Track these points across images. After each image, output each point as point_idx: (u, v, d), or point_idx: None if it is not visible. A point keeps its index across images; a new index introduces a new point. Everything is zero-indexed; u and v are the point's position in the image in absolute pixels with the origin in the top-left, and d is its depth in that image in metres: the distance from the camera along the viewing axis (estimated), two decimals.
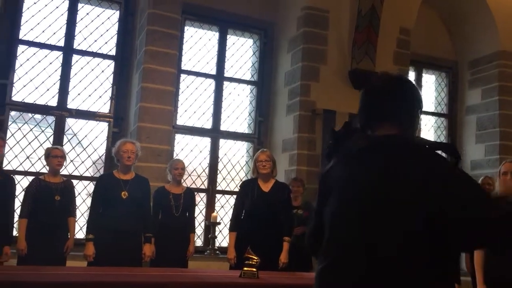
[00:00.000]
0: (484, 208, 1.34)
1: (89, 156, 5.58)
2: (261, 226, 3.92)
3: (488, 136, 6.80)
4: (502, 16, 6.73)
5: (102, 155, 5.61)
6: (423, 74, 7.21)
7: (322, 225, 1.60)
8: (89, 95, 5.59)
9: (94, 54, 5.67)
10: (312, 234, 1.70)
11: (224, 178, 6.11)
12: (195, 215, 4.91)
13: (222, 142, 6.10)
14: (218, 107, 6.10)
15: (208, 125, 6.04)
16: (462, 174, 1.42)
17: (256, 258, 3.21)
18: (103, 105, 5.66)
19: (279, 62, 6.24)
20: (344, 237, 1.49)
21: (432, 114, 7.25)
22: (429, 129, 7.21)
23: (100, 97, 5.65)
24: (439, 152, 1.49)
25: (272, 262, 3.83)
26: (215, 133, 6.06)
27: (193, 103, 5.98)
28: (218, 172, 6.07)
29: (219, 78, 6.16)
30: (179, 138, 5.86)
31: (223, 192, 6.08)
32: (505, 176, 3.24)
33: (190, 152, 5.92)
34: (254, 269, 3.17)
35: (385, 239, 1.39)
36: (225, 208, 6.04)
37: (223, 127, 6.11)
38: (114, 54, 5.76)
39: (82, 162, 5.54)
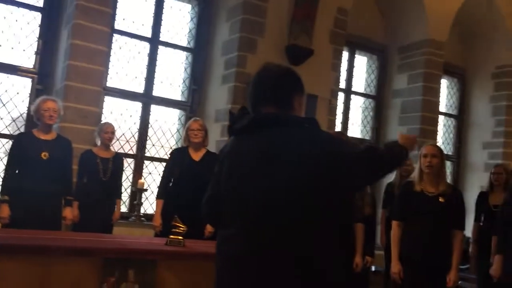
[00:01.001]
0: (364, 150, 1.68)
1: (9, 113, 5.25)
2: (190, 195, 3.90)
3: (411, 119, 7.16)
4: (432, 6, 7.02)
5: (24, 113, 5.29)
6: (356, 55, 7.41)
7: (217, 194, 1.82)
8: (12, 48, 5.23)
9: (19, 4, 5.27)
10: (209, 202, 1.90)
11: (153, 145, 6.00)
12: (122, 181, 4.81)
13: (153, 108, 5.96)
14: (151, 72, 5.93)
15: (140, 89, 5.86)
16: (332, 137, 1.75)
17: (183, 226, 3.20)
18: (27, 60, 5.32)
19: (217, 31, 6.14)
20: (232, 205, 1.72)
21: (362, 95, 7.50)
22: (357, 108, 7.46)
23: (24, 50, 5.30)
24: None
25: (199, 231, 3.84)
26: (147, 98, 5.90)
27: (125, 65, 5.77)
28: (148, 138, 5.95)
29: (154, 41, 5.97)
30: (109, 100, 5.65)
31: (152, 159, 5.97)
32: (425, 158, 3.43)
33: (120, 116, 5.74)
34: (181, 237, 3.16)
35: (268, 214, 1.61)
36: (153, 175, 5.95)
37: (155, 93, 5.96)
38: (42, 5, 5.39)
39: (1, 119, 5.20)
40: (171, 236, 3.15)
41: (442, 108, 7.80)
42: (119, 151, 5.35)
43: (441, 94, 7.42)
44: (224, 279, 1.72)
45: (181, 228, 3.19)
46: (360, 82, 7.50)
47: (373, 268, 5.36)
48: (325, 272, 1.59)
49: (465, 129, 8.23)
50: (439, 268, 3.30)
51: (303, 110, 1.89)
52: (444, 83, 7.76)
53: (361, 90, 7.51)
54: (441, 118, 7.70)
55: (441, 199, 3.35)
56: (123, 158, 4.76)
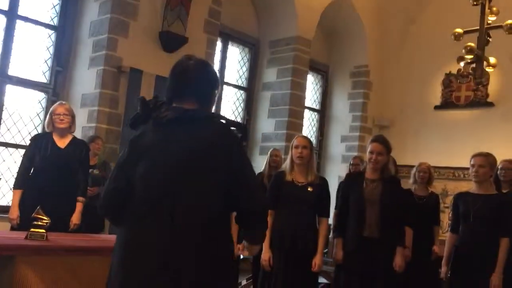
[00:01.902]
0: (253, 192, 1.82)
1: None
2: (53, 185, 3.61)
3: (279, 112, 7.46)
4: (301, 3, 7.36)
5: None
6: (229, 47, 7.49)
7: (126, 187, 1.78)
8: None
9: None
10: (112, 195, 1.83)
11: (8, 129, 5.43)
12: None
13: (9, 88, 5.39)
14: (8, 49, 5.35)
15: None
16: (245, 155, 1.91)
17: (46, 218, 2.95)
18: None
19: (85, 10, 5.74)
20: (154, 197, 1.72)
21: (233, 86, 7.61)
22: (229, 100, 7.56)
23: None
24: (233, 128, 1.85)
25: (63, 224, 3.58)
26: (2, 78, 5.31)
27: None
28: (2, 122, 5.36)
29: (12, 15, 5.39)
30: None
31: (7, 145, 5.40)
32: (296, 149, 3.58)
33: None
34: (43, 231, 2.91)
35: (190, 198, 1.71)
36: (7, 163, 5.39)
37: (12, 72, 5.39)
38: None
39: None
40: (32, 229, 2.88)
41: (307, 102, 8.25)
42: None
43: (306, 89, 7.83)
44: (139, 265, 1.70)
45: (44, 221, 2.93)
46: (232, 73, 7.60)
47: (241, 256, 5.50)
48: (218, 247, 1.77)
49: (326, 123, 8.83)
50: (306, 253, 3.49)
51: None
52: (309, 78, 8.21)
53: (233, 82, 7.62)
54: (306, 112, 8.14)
55: (309, 189, 3.53)
56: None
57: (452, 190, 6.89)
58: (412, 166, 5.15)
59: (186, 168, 1.73)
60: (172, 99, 1.86)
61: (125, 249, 1.75)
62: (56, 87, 5.69)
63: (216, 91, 1.93)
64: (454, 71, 7.90)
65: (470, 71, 7.10)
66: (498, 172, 4.74)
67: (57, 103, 3.97)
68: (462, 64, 6.41)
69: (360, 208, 3.45)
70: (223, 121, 1.84)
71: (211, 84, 1.91)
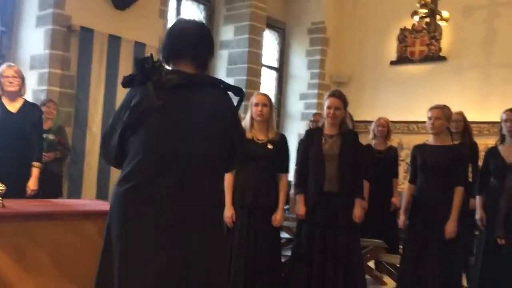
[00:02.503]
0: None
1: None
2: (7, 151, 3.47)
3: (238, 71, 7.38)
4: None
5: None
6: (183, 3, 7.26)
7: (123, 146, 1.82)
8: None
9: None
10: (113, 153, 1.87)
11: None
12: None
13: None
14: None
15: None
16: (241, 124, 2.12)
17: (1, 185, 2.85)
18: None
19: None
20: (164, 160, 1.77)
21: None
22: None
23: None
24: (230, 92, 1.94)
25: (20, 190, 3.47)
26: None
27: None
28: None
29: None
30: None
31: None
32: (256, 107, 3.57)
33: None
34: None
35: (199, 160, 1.81)
36: None
37: None
38: None
39: None
40: None
41: (265, 60, 8.19)
42: None
43: (264, 47, 7.75)
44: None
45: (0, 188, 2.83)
46: None
47: None
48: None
49: (284, 81, 8.82)
50: (267, 209, 3.54)
51: None
52: (266, 36, 8.12)
53: None
54: (264, 70, 8.08)
55: (269, 146, 3.55)
56: None
57: (407, 143, 7.11)
58: (370, 122, 5.25)
59: (195, 134, 1.79)
60: (168, 59, 1.88)
61: (134, 210, 1.76)
62: (2, 49, 5.39)
63: (211, 57, 1.96)
64: (409, 26, 7.99)
65: (424, 26, 7.24)
66: (450, 124, 4.94)
67: (4, 65, 3.76)
68: (416, 18, 6.52)
69: (319, 163, 3.51)
70: (222, 85, 1.91)
71: (209, 48, 1.94)
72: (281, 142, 3.64)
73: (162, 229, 1.74)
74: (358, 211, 3.49)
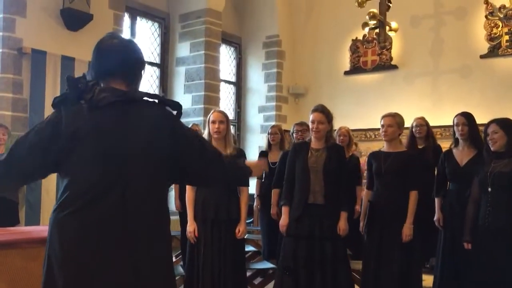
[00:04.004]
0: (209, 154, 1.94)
1: None
2: None
3: (195, 87, 7.40)
4: None
5: None
6: (138, 22, 7.25)
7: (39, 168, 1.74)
8: None
9: None
10: (27, 172, 1.76)
11: None
12: None
13: None
14: None
15: None
16: (187, 128, 2.00)
17: None
18: None
19: None
20: (102, 183, 1.68)
21: (146, 63, 7.39)
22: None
23: None
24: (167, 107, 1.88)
25: None
26: None
27: None
28: None
29: None
30: None
31: None
32: (213, 124, 3.60)
33: None
34: None
35: (142, 181, 1.74)
36: None
37: None
38: None
39: None
40: None
41: (222, 75, 8.24)
42: None
43: (220, 62, 7.81)
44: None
45: None
46: (144, 49, 7.34)
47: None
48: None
49: (243, 95, 8.89)
50: (229, 222, 3.56)
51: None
52: (223, 51, 8.18)
53: (146, 58, 7.38)
54: (222, 85, 8.13)
55: None
56: None
57: (365, 150, 7.27)
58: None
59: (135, 151, 1.72)
60: (98, 78, 1.79)
61: (76, 235, 1.67)
62: None
63: (143, 71, 1.90)
64: (360, 37, 8.23)
65: (375, 36, 7.49)
66: (414, 129, 5.03)
67: None
68: (366, 29, 6.73)
69: (304, 176, 3.56)
70: (158, 100, 1.85)
71: (138, 63, 1.87)
72: (239, 156, 3.68)
73: (109, 251, 1.67)
74: (342, 224, 3.52)
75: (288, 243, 3.62)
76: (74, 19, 5.51)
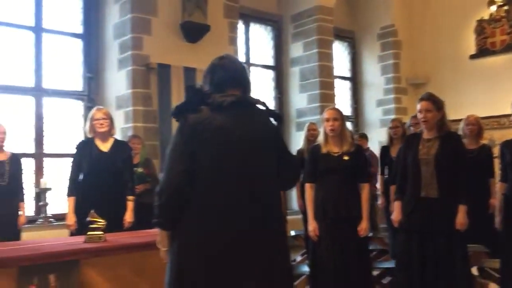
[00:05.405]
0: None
1: None
2: (103, 187, 3.72)
3: (310, 86, 7.40)
4: None
5: None
6: (251, 27, 7.45)
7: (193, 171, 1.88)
8: None
9: None
10: (181, 180, 1.88)
11: (52, 141, 5.62)
12: (24, 182, 4.45)
13: (46, 100, 5.57)
14: (39, 63, 5.51)
15: (30, 83, 5.44)
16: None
17: (101, 220, 3.07)
18: None
19: (106, 13, 5.83)
20: (235, 175, 1.90)
21: (261, 66, 7.58)
22: (258, 80, 7.53)
23: None
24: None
25: (117, 223, 3.70)
26: (38, 91, 5.49)
27: (10, 59, 5.30)
28: (45, 134, 5.56)
29: (38, 30, 5.54)
30: None
31: (52, 156, 5.61)
32: (327, 122, 3.57)
33: (10, 114, 5.28)
34: (101, 232, 3.03)
35: (262, 176, 1.97)
36: (56, 173, 5.59)
37: (46, 85, 5.56)
38: None
39: None
40: (90, 233, 3.00)
41: (337, 72, 8.13)
42: (15, 152, 4.93)
43: (334, 59, 7.72)
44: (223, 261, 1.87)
45: (100, 223, 3.05)
46: (258, 53, 7.55)
47: (293, 233, 5.55)
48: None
49: (359, 90, 8.69)
50: (350, 219, 3.51)
51: None
52: (336, 47, 8.08)
53: (261, 62, 7.58)
54: (337, 82, 8.03)
55: (345, 157, 3.54)
56: (20, 158, 4.41)
57: (500, 139, 6.66)
58: (455, 121, 5.00)
59: (259, 145, 1.97)
60: (221, 89, 2.00)
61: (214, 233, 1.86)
62: (90, 93, 5.84)
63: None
64: (486, 17, 7.59)
65: (503, 14, 6.86)
66: None
67: (95, 108, 4.06)
68: (493, 8, 6.19)
69: (415, 169, 3.37)
70: (263, 107, 2.08)
71: (247, 75, 2.15)
72: (357, 152, 3.62)
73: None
74: (461, 218, 3.21)
75: (401, 238, 3.46)
76: (193, 31, 5.81)
